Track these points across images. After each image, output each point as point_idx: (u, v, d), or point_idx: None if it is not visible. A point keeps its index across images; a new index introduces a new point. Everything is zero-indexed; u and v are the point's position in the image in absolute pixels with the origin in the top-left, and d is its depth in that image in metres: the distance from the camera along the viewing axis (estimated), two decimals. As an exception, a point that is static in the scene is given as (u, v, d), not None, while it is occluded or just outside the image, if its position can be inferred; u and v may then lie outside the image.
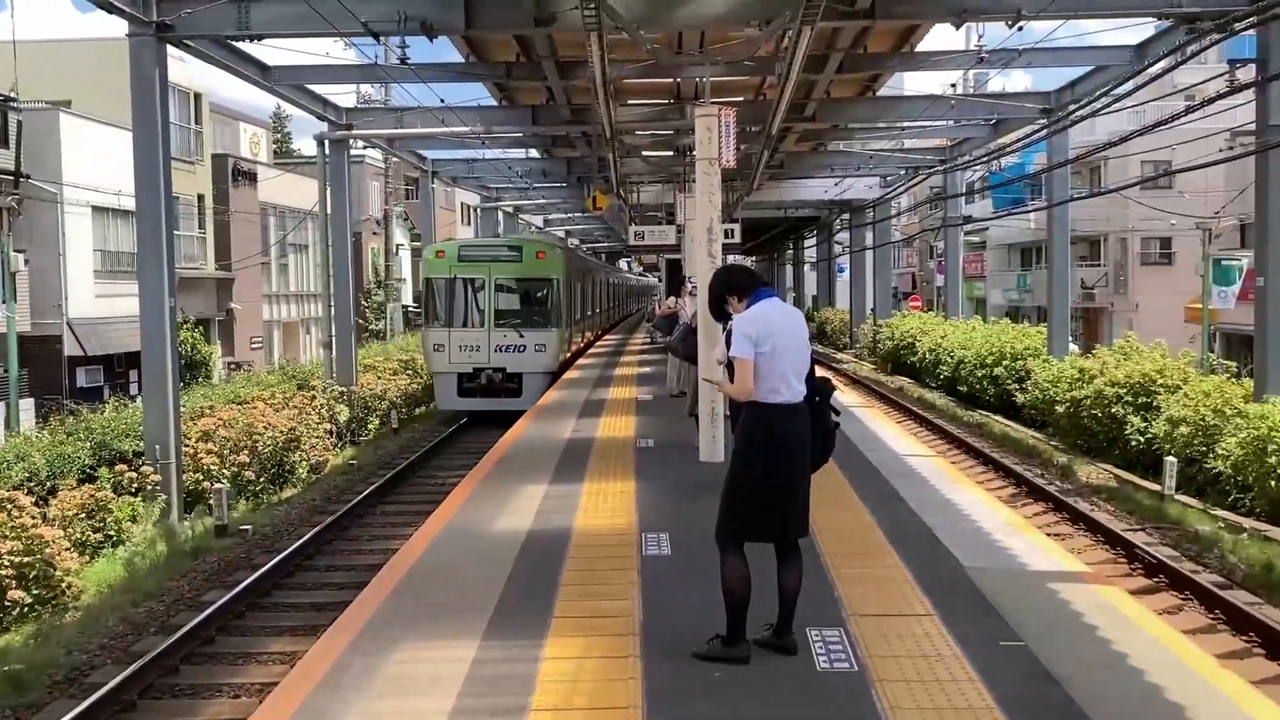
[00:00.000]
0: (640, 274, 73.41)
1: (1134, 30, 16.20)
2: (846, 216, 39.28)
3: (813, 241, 52.14)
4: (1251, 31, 14.04)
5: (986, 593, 6.27)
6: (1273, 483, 12.06)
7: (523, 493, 9.52)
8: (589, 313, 30.80)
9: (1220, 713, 4.57)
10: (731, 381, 5.22)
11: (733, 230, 26.11)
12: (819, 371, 5.46)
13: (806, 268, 61.31)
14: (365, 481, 15.45)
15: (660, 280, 39.06)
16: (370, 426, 20.64)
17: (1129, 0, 14.04)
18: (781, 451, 5.13)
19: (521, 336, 20.99)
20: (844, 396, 18.07)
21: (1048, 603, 6.11)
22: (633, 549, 7.47)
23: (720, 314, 5.56)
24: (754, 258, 70.14)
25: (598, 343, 33.03)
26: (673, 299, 16.22)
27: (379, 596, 6.42)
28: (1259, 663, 8.35)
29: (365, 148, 32.41)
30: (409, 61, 15.83)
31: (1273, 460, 12.07)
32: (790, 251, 62.57)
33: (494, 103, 21.53)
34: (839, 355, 38.66)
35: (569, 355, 24.74)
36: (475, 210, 36.98)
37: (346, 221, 21.10)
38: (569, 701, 4.80)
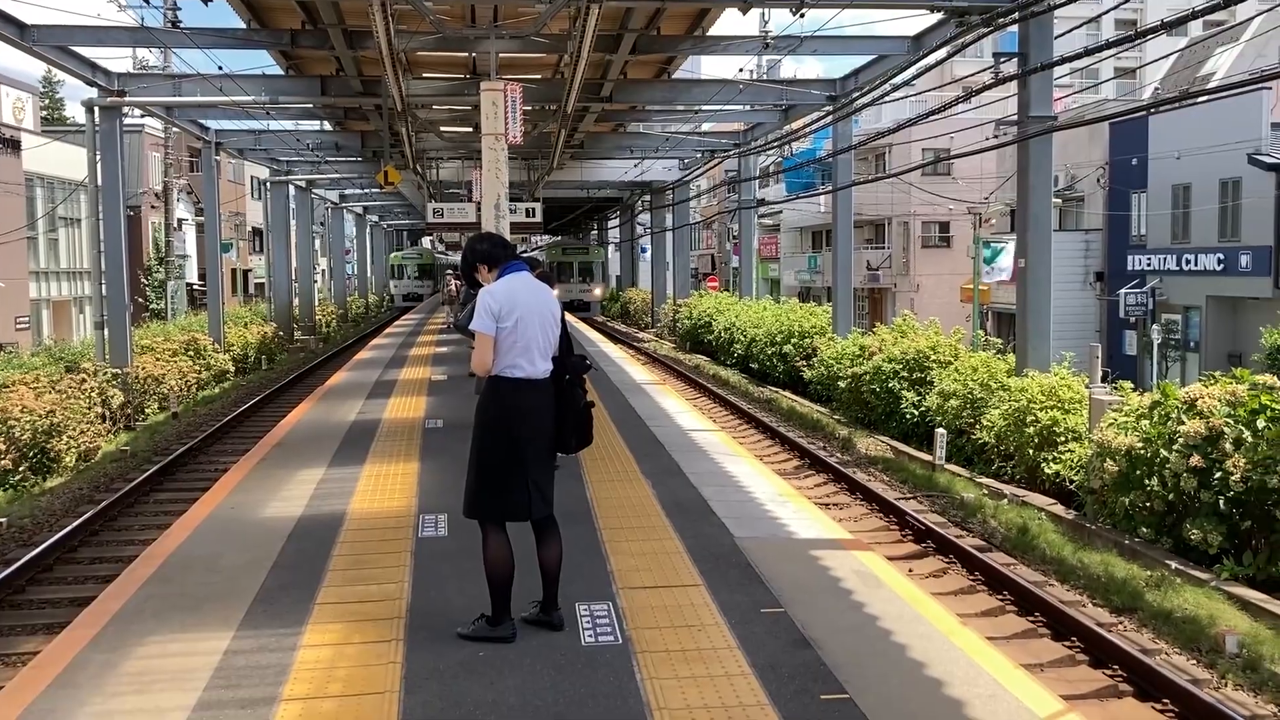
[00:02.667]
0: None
1: (915, 22, 16.98)
2: (647, 198, 39.77)
3: (616, 222, 52.56)
4: (1015, 27, 14.92)
5: (753, 562, 6.45)
6: (1030, 451, 12.91)
7: (298, 477, 9.18)
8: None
9: (952, 665, 4.82)
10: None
11: (534, 209, 26.05)
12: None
13: (611, 248, 61.76)
14: (139, 469, 14.63)
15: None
16: (148, 411, 19.55)
17: (904, -8, 14.68)
18: (518, 428, 5.10)
19: (420, 282, 55.28)
20: (639, 374, 18.29)
21: (809, 569, 6.33)
22: (409, 531, 7.32)
23: (472, 282, 5.50)
24: (559, 237, 70.33)
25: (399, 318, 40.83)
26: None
27: (129, 589, 6.05)
28: (1010, 619, 8.93)
29: (143, 116, 30.58)
30: (183, 26, 14.94)
31: (1030, 430, 12.92)
32: (595, 232, 62.89)
33: (280, 72, 20.66)
34: (641, 335, 39.18)
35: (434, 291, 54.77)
36: (266, 185, 35.46)
37: (119, 194, 19.82)
38: (323, 689, 4.64)
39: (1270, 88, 23.44)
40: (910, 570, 9.48)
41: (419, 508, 8.02)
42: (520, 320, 5.07)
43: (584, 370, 5.37)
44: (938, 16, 15.77)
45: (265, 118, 24.09)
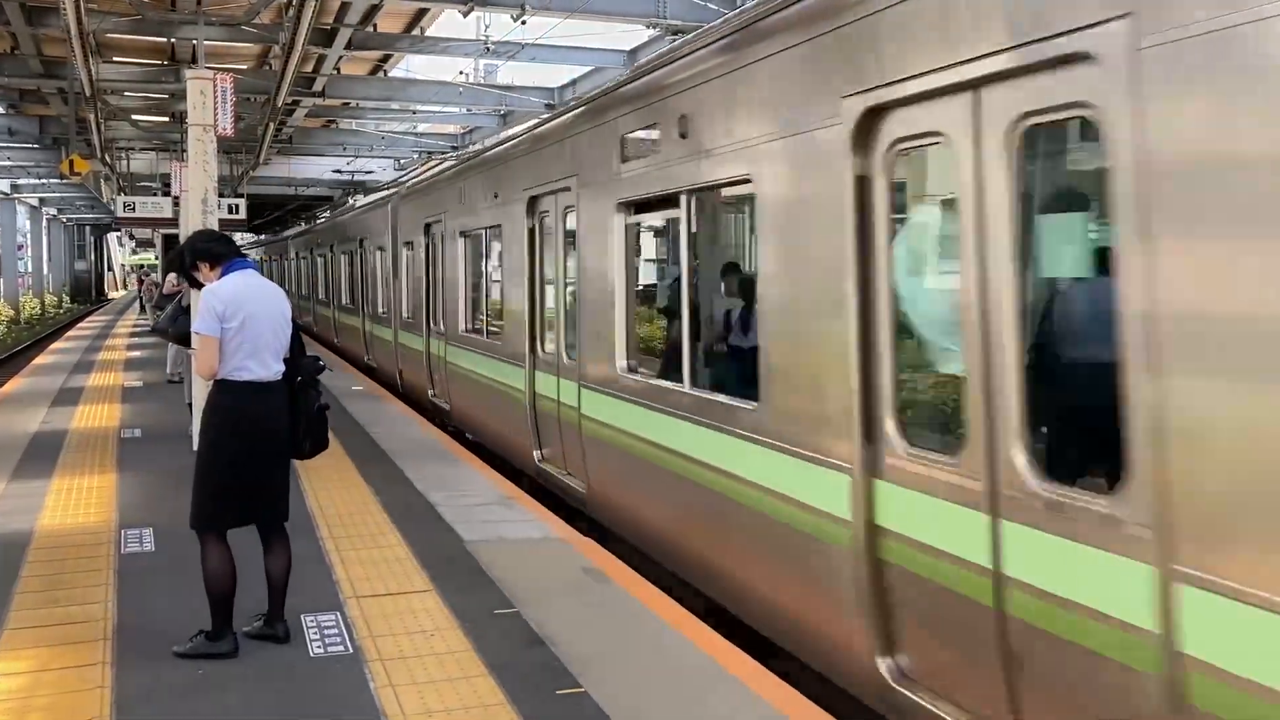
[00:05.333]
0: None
1: (632, 36, 17.52)
2: (361, 197, 38.72)
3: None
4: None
5: (484, 564, 6.45)
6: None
7: (-26, 492, 8.32)
8: None
9: (682, 654, 5.03)
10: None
11: (238, 206, 24.83)
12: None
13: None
14: None
15: (158, 258, 36.84)
16: None
17: (624, 6, 15.10)
18: (249, 432, 4.90)
19: None
20: (353, 379, 17.80)
21: (540, 569, 6.39)
22: (109, 547, 6.80)
23: (193, 282, 5.24)
24: (264, 236, 67.62)
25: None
26: (173, 276, 15.03)
27: None
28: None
29: None
30: None
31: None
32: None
33: (-58, 46, 18.59)
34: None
35: None
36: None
37: None
38: (20, 721, 4.25)
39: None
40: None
41: (120, 522, 7.46)
42: (247, 320, 4.86)
43: (317, 371, 5.20)
44: (653, 32, 16.33)
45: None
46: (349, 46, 17.08)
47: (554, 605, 5.72)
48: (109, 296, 71.20)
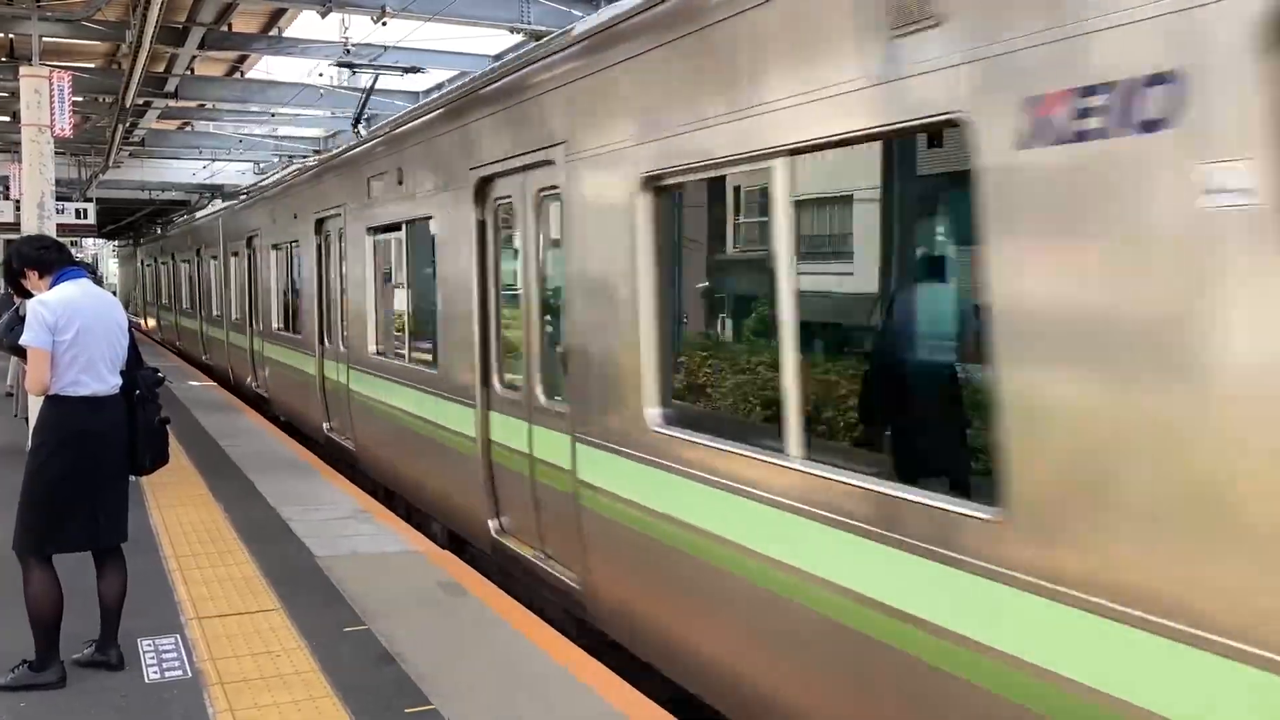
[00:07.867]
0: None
1: (495, 41, 17.37)
2: (219, 202, 37.54)
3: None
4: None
5: (335, 580, 6.30)
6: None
7: None
8: None
9: (537, 666, 4.99)
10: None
11: (86, 210, 23.84)
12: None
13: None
14: None
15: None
16: None
17: (485, 12, 14.97)
18: (83, 449, 4.68)
19: None
20: (207, 390, 17.22)
21: (393, 584, 6.27)
22: (-70, 572, 6.39)
23: (20, 290, 4.98)
24: (116, 242, 65.13)
25: None
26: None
27: None
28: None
29: None
30: None
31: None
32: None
33: None
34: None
35: None
36: None
37: None
38: None
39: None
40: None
41: (-57, 545, 7.02)
42: (81, 331, 4.63)
43: (156, 384, 5.00)
44: (518, 38, 16.23)
45: None
46: (202, 46, 16.48)
47: (407, 620, 5.61)
48: (-53, 305, 67.51)
